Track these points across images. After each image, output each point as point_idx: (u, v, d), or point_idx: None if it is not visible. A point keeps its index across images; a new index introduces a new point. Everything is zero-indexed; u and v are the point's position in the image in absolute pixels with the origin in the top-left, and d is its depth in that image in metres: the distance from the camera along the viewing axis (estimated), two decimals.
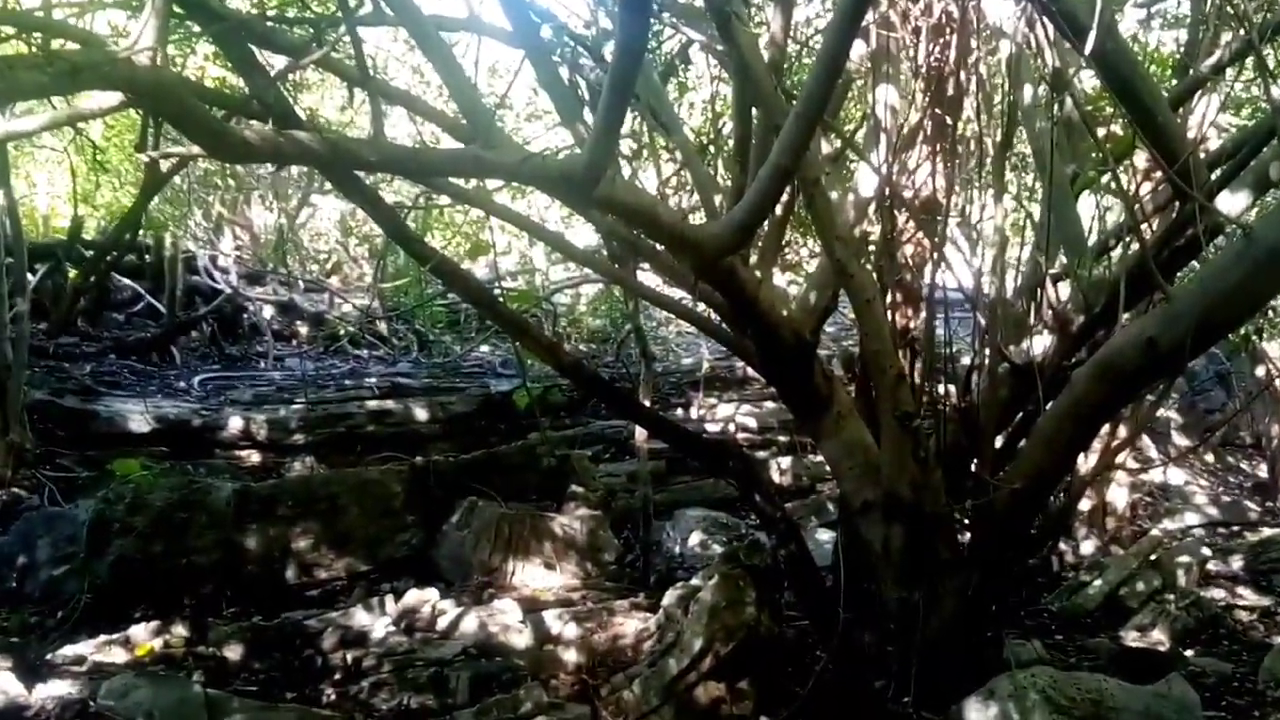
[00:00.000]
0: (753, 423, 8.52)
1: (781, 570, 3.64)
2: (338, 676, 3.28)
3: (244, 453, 6.09)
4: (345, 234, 11.45)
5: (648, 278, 4.08)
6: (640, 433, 5.24)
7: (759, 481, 3.61)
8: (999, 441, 3.17)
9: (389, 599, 3.79)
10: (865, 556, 3.51)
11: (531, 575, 4.47)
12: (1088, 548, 5.97)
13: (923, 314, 3.43)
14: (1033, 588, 5.37)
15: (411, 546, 4.63)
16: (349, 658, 3.33)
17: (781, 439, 8.29)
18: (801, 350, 3.23)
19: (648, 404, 5.13)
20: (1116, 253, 3.25)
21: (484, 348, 9.63)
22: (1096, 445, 3.60)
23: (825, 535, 6.45)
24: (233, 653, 3.38)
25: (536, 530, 4.54)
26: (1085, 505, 5.94)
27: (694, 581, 3.50)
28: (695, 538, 6.74)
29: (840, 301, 3.58)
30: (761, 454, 8.19)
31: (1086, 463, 4.12)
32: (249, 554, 4.25)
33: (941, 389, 3.30)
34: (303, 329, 9.51)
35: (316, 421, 6.48)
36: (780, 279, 3.63)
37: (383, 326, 9.63)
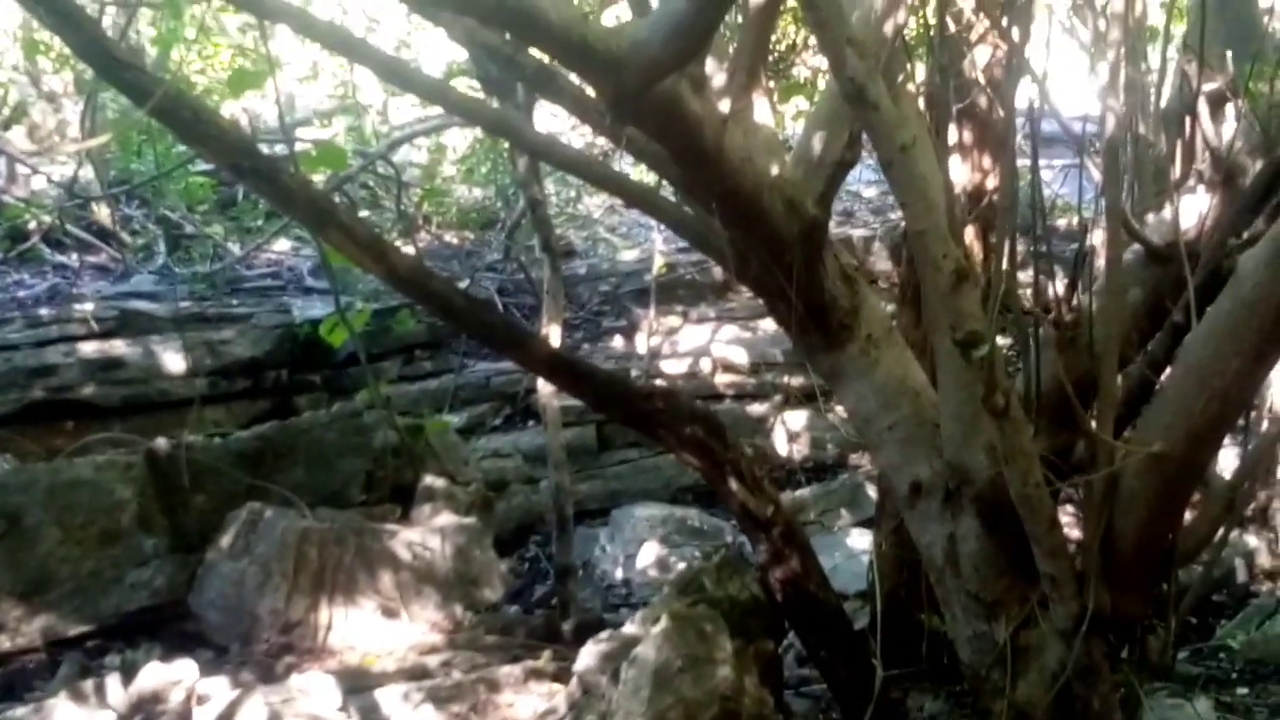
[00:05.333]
0: (741, 356, 8.57)
1: (777, 603, 3.69)
2: None
3: None
4: (29, 54, 11.07)
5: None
6: (546, 383, 5.23)
7: (732, 459, 3.61)
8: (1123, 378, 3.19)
9: (114, 680, 3.74)
10: (917, 572, 3.58)
11: (361, 629, 4.47)
12: None
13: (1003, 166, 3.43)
14: (1200, 612, 5.52)
15: (154, 590, 4.59)
16: None
17: (793, 382, 8.41)
18: (802, 234, 3.23)
19: (554, 331, 5.13)
20: None
21: (281, 243, 9.49)
22: None
23: (864, 541, 6.60)
24: None
25: (367, 555, 4.53)
26: None
27: (628, 629, 3.51)
28: (649, 553, 6.86)
29: (867, 149, 3.55)
30: (756, 407, 8.29)
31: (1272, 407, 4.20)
32: None
33: (1033, 293, 3.32)
34: None
35: None
36: (765, 113, 3.59)
37: (104, 213, 9.42)
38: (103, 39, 3.02)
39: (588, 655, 3.51)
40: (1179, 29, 3.98)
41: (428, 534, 4.73)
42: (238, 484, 4.80)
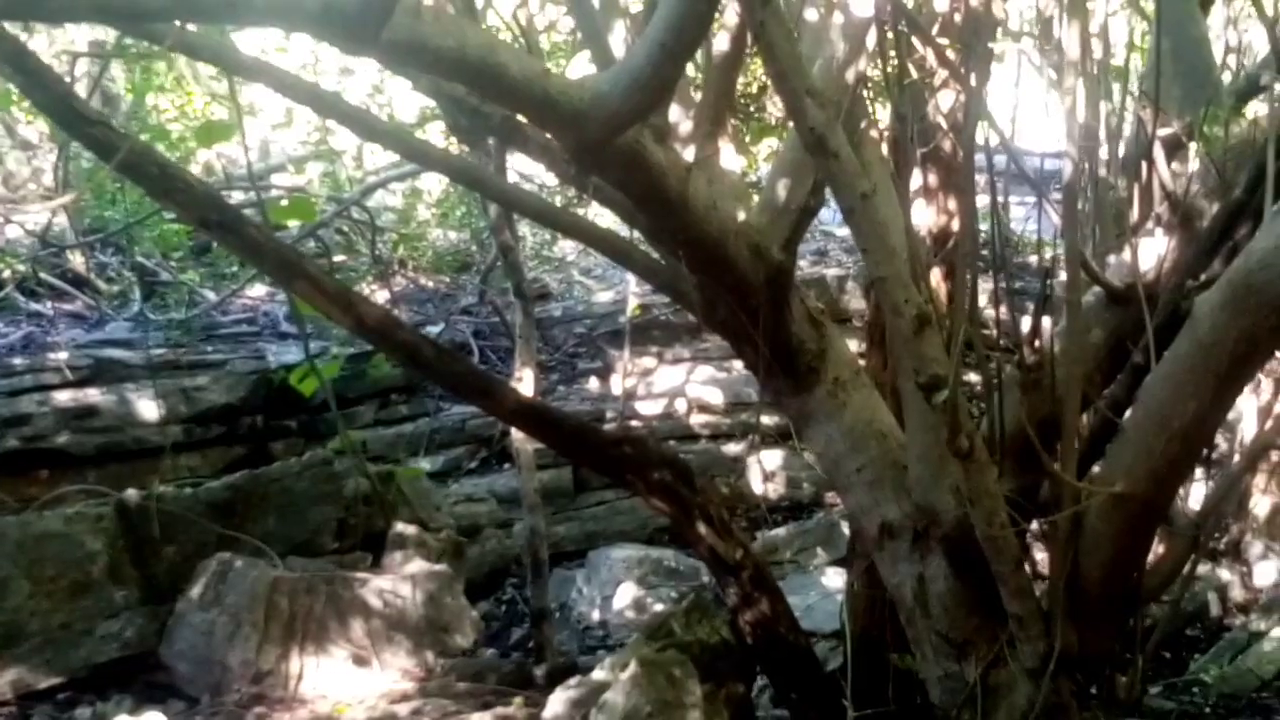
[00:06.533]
0: (715, 396, 8.57)
1: (747, 646, 3.68)
2: None
3: None
4: (3, 104, 11.07)
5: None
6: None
7: (701, 503, 3.62)
8: (1088, 418, 3.21)
9: None
10: (886, 612, 3.58)
11: (332, 678, 4.44)
12: (1267, 574, 6.17)
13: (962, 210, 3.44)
14: (1173, 646, 5.54)
15: (124, 642, 4.55)
16: None
17: (767, 421, 8.41)
18: (768, 280, 3.24)
19: (528, 375, 5.13)
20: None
21: (256, 289, 9.47)
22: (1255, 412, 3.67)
23: (839, 579, 6.59)
24: None
25: (338, 603, 4.51)
26: (1266, 506, 6.14)
27: (597, 675, 3.51)
28: (626, 594, 6.83)
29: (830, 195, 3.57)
30: (731, 447, 8.28)
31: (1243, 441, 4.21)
32: None
33: (994, 335, 3.34)
34: None
35: None
36: (732, 158, 3.61)
37: (78, 260, 9.38)
38: (69, 96, 3.01)
39: (557, 702, 3.50)
40: (1139, 70, 4.01)
41: (399, 581, 4.71)
42: (208, 534, 4.77)
